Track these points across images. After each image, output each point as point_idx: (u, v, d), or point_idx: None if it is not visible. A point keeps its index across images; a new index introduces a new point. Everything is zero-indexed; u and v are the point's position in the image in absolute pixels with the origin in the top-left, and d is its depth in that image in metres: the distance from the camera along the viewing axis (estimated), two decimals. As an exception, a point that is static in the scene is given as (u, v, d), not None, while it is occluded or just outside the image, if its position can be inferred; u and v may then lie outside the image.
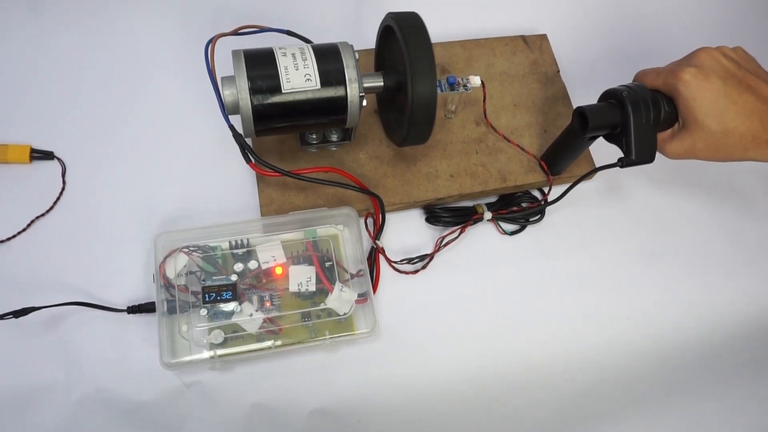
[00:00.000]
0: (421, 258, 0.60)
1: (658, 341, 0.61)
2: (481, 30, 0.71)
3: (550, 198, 0.62)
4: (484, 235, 0.63)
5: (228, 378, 0.54)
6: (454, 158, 0.63)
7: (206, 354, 0.51)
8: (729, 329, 0.64)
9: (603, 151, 0.57)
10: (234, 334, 0.52)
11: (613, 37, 0.75)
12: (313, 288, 0.54)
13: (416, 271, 0.60)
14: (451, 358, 0.58)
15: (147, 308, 0.53)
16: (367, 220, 0.60)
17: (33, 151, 0.59)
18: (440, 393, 0.57)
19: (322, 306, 0.54)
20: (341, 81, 0.50)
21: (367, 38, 0.60)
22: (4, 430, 0.51)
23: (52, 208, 0.58)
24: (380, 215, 0.58)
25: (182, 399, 0.53)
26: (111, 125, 0.62)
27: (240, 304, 0.52)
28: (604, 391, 0.62)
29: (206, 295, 0.52)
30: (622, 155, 0.52)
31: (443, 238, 0.61)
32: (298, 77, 0.49)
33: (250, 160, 0.53)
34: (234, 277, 0.53)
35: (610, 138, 0.54)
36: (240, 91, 0.48)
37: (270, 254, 0.55)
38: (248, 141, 0.52)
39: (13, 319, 0.50)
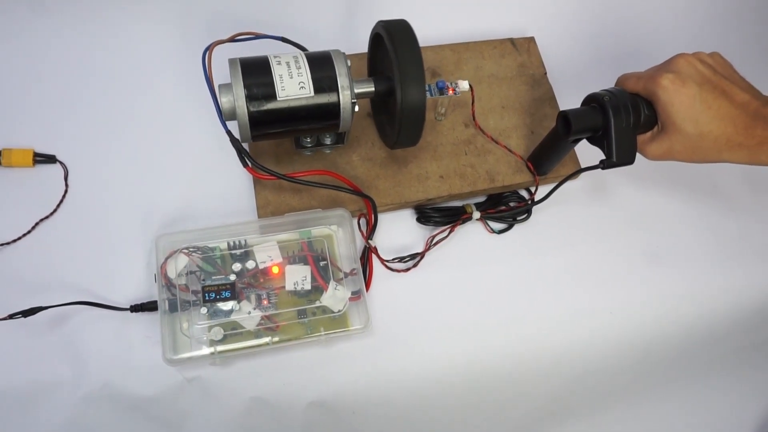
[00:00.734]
0: (412, 256, 0.63)
1: (641, 335, 0.65)
2: (470, 33, 0.74)
3: (536, 197, 0.66)
4: (473, 233, 0.66)
5: (227, 373, 0.57)
6: (444, 160, 0.67)
7: (206, 350, 0.54)
8: (711, 323, 0.67)
9: (589, 151, 0.60)
10: (233, 331, 0.55)
11: (598, 39, 0.79)
12: (308, 286, 0.57)
13: (407, 270, 0.63)
14: (442, 353, 0.61)
15: (149, 307, 0.56)
16: (360, 221, 0.63)
17: (36, 155, 0.62)
18: (431, 386, 0.61)
19: (317, 303, 0.57)
20: (334, 88, 0.53)
21: (361, 41, 0.63)
22: (13, 427, 0.54)
23: (55, 210, 0.61)
24: (373, 216, 0.61)
25: (184, 393, 0.56)
26: (112, 129, 0.65)
27: (238, 302, 0.55)
28: (589, 384, 0.66)
29: (206, 294, 0.55)
30: (604, 157, 0.55)
31: (433, 237, 0.64)
32: (293, 85, 0.52)
33: (247, 164, 0.56)
34: (232, 277, 0.56)
35: (592, 140, 0.57)
36: (237, 99, 0.51)
37: (267, 254, 0.58)
38: (245, 145, 0.55)
39: (22, 319, 0.53)
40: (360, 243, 0.62)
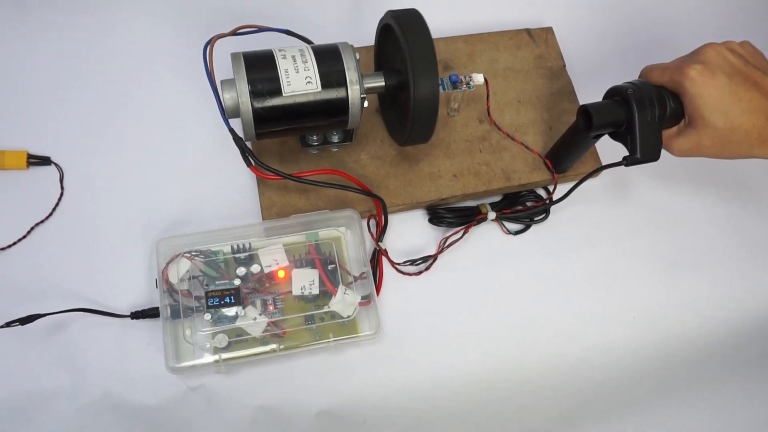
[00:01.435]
0: (425, 259, 0.62)
1: (663, 340, 0.63)
2: (484, 24, 0.72)
3: (555, 197, 0.64)
4: (488, 235, 0.65)
5: (232, 381, 0.56)
6: (458, 157, 0.65)
7: (210, 358, 0.53)
8: (736, 327, 0.66)
9: (611, 147, 0.58)
10: (238, 338, 0.54)
11: (620, 29, 0.77)
12: (316, 291, 0.56)
13: (419, 273, 0.62)
14: (456, 359, 0.60)
15: (150, 313, 0.55)
16: (370, 222, 0.62)
17: (30, 156, 0.61)
18: (445, 393, 0.60)
19: (326, 309, 0.56)
20: (342, 83, 0.52)
21: (367, 35, 0.62)
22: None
23: (51, 214, 0.59)
24: (383, 217, 0.60)
25: (187, 403, 0.55)
26: (108, 129, 0.64)
27: (243, 308, 0.54)
28: (609, 390, 0.64)
29: (209, 300, 0.54)
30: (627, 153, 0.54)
31: (447, 238, 0.63)
32: (299, 80, 0.51)
33: (251, 164, 0.54)
34: (237, 282, 0.55)
35: (615, 136, 0.55)
36: (240, 95, 0.50)
37: (272, 258, 0.57)
38: (248, 144, 0.54)
39: (19, 327, 0.52)
40: (369, 245, 0.61)
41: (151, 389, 0.55)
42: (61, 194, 0.60)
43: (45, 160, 0.61)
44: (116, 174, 0.62)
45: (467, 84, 0.60)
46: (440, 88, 0.56)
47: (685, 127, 0.54)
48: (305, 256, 0.58)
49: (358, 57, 0.53)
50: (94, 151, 0.62)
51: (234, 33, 0.55)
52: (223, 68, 0.52)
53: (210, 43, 0.52)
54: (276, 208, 0.60)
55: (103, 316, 0.55)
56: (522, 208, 0.65)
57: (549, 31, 0.73)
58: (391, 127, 0.63)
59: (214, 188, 0.62)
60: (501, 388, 0.61)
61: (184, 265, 0.55)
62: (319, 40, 0.56)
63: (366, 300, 0.57)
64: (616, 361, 0.63)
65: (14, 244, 0.58)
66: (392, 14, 0.54)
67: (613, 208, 0.67)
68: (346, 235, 0.60)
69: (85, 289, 0.57)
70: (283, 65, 0.51)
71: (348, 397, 0.57)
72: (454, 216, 0.64)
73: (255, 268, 0.57)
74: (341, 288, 0.56)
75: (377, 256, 0.61)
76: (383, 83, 0.56)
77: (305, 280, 0.56)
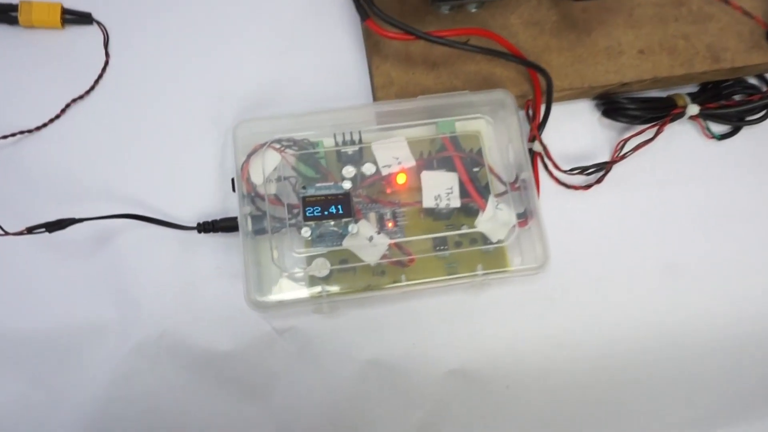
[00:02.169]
0: (598, 167, 0.44)
1: None
2: None
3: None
4: (681, 138, 0.47)
5: (335, 325, 0.42)
6: (644, 27, 0.46)
7: (307, 291, 0.39)
8: None
9: None
10: (344, 266, 0.39)
11: None
12: (456, 203, 0.39)
13: (587, 186, 0.45)
14: (634, 307, 0.44)
15: (225, 226, 0.40)
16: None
17: (65, 11, 0.46)
18: (616, 352, 0.44)
19: (466, 229, 0.39)
20: None
21: None
22: (42, 381, 0.39)
23: (92, 88, 0.45)
24: (543, 102, 0.42)
25: (273, 350, 0.41)
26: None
27: (355, 222, 0.38)
28: None
29: (307, 209, 0.38)
30: None
31: (625, 141, 0.45)
32: None
33: (368, 16, 0.37)
34: (347, 185, 0.38)
35: None
36: None
37: (391, 155, 0.41)
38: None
39: (46, 234, 0.38)
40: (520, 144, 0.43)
41: (224, 330, 0.41)
42: (106, 63, 0.45)
43: (85, 18, 0.46)
44: (178, 37, 0.46)
45: None
46: None
47: None
48: (439, 154, 0.41)
49: None
50: (149, 7, 0.46)
51: None
52: None
53: None
54: (395, 87, 0.43)
55: (159, 226, 0.41)
56: (731, 102, 0.47)
57: None
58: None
59: (308, 58, 0.45)
60: (693, 347, 0.44)
61: (271, 160, 0.40)
62: None
63: (523, 219, 0.40)
64: None
65: (45, 125, 0.44)
66: None
67: None
68: (494, 128, 0.42)
69: (137, 189, 0.42)
70: None
71: (489, 353, 0.42)
72: (640, 108, 0.46)
73: (368, 169, 0.40)
74: (492, 201, 0.39)
75: (532, 159, 0.43)
76: None
77: (440, 187, 0.40)
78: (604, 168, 0.45)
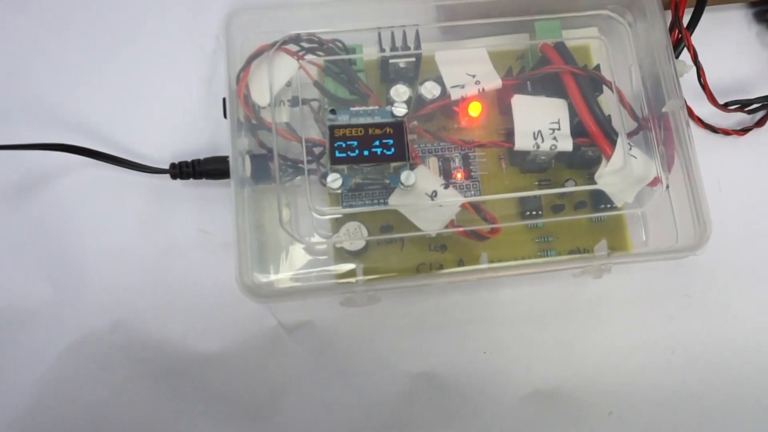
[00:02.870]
0: (763, 103, 0.30)
1: None
2: None
3: None
4: None
5: (370, 322, 0.29)
6: None
7: (331, 271, 0.24)
8: None
9: None
10: (387, 236, 0.25)
11: None
12: (566, 144, 0.25)
13: (744, 130, 0.31)
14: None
15: (211, 170, 0.27)
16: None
17: None
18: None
19: (573, 185, 0.26)
20: None
21: None
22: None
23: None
24: None
25: (278, 355, 0.29)
26: None
27: (411, 169, 0.24)
28: None
29: (337, 147, 0.23)
30: None
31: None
32: None
33: None
34: (399, 111, 0.24)
35: None
36: None
37: (465, 70, 0.26)
38: None
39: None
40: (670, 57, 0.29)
41: (208, 324, 0.28)
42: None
43: None
44: None
45: None
46: None
47: None
48: (536, 70, 0.27)
49: None
50: None
51: None
52: None
53: None
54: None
55: (116, 167, 0.28)
56: None
57: None
58: None
59: None
60: None
61: (283, 69, 0.26)
62: None
63: (655, 178, 0.26)
64: None
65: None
66: None
67: None
68: (619, 38, 0.28)
69: (85, 109, 0.30)
70: None
71: (587, 369, 0.30)
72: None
73: (430, 90, 0.26)
74: (623, 142, 0.25)
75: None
76: None
77: (540, 120, 0.26)
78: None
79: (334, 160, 0.24)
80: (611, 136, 0.26)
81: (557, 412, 0.30)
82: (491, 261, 0.26)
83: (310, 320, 0.29)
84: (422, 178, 0.25)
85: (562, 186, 0.28)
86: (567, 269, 0.26)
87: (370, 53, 0.28)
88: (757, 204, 0.31)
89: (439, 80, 0.27)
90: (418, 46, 0.27)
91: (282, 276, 0.26)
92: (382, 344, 0.29)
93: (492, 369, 0.29)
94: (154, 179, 0.28)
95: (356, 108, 0.25)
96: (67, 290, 0.28)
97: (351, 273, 0.25)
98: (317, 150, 0.26)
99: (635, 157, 0.26)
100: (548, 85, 0.27)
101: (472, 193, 0.27)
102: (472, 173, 0.27)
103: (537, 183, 0.28)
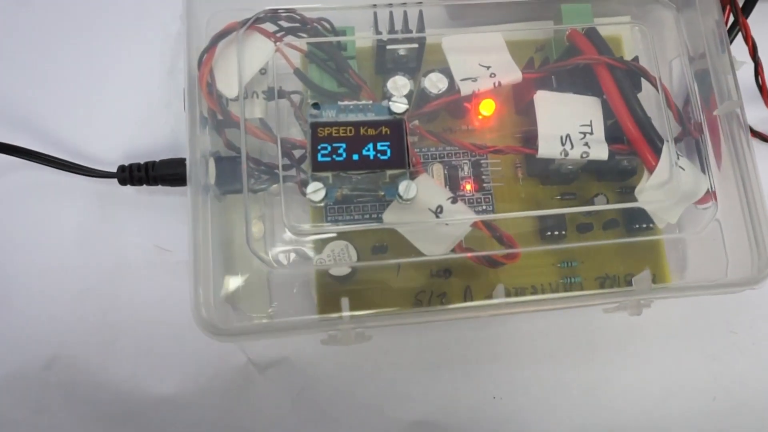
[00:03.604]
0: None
1: None
2: None
3: None
4: None
5: (358, 361, 0.24)
6: None
7: (311, 302, 0.20)
8: None
9: None
10: (380, 262, 0.21)
11: None
12: (600, 152, 0.21)
13: (800, 137, 0.26)
14: None
15: (167, 174, 0.22)
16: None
17: None
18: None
19: (604, 203, 0.21)
20: None
21: None
22: None
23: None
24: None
25: (248, 397, 0.24)
26: None
27: (411, 179, 0.19)
28: None
29: (321, 150, 0.19)
30: None
31: None
32: None
33: None
34: (397, 107, 0.19)
35: None
36: None
37: (476, 59, 0.22)
38: None
39: None
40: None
41: (164, 360, 0.24)
42: None
43: None
44: None
45: None
46: None
47: None
48: (562, 61, 0.22)
49: None
50: None
51: None
52: None
53: None
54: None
55: (54, 170, 0.23)
56: None
57: None
58: None
59: None
60: None
61: (257, 53, 0.21)
62: None
63: (706, 194, 0.21)
64: None
65: None
66: None
67: None
68: (663, 27, 0.23)
69: (20, 102, 0.25)
70: None
71: (616, 415, 0.26)
72: None
73: (435, 82, 0.21)
74: (669, 150, 0.20)
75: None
76: None
77: (569, 122, 0.21)
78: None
79: (317, 166, 0.20)
80: (655, 143, 0.21)
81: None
82: (511, 295, 0.21)
83: (287, 356, 0.24)
84: (425, 189, 0.21)
85: (590, 201, 0.23)
86: (599, 304, 0.22)
87: (363, 37, 0.23)
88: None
89: (446, 71, 0.22)
90: (421, 29, 0.23)
91: (251, 307, 0.21)
92: (372, 386, 0.24)
93: (503, 417, 0.25)
94: (101, 184, 0.24)
95: (345, 102, 0.20)
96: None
97: (335, 306, 0.21)
98: (297, 153, 0.21)
99: (683, 169, 0.21)
100: (577, 80, 0.23)
101: (484, 208, 0.23)
102: (485, 184, 0.23)
103: (559, 197, 0.24)
